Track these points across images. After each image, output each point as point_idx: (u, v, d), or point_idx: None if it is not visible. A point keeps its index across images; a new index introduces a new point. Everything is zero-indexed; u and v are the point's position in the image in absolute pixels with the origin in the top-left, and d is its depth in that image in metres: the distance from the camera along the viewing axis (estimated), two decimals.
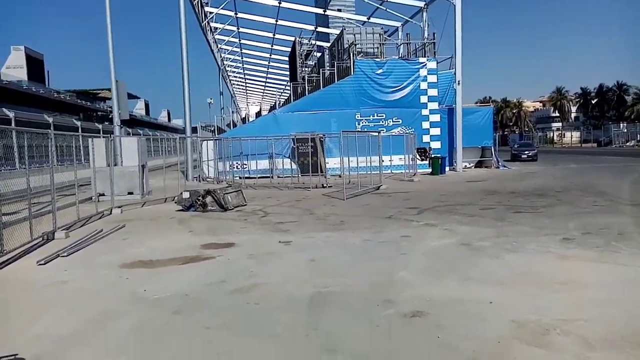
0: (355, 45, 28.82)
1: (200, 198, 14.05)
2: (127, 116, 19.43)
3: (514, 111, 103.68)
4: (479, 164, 29.96)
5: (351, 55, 28.24)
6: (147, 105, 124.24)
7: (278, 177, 24.73)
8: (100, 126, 31.24)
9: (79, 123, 28.76)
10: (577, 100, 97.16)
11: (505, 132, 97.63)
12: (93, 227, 11.62)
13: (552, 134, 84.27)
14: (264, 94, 78.40)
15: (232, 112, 64.33)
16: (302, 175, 23.03)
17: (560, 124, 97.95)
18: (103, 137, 15.55)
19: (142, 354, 4.62)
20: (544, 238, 9.03)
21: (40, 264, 8.03)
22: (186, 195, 14.28)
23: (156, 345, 4.77)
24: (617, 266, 7.08)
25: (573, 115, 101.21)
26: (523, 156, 36.88)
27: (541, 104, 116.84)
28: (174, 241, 9.88)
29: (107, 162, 15.82)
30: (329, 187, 20.14)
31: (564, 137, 79.40)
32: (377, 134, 21.45)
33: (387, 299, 5.82)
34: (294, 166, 24.71)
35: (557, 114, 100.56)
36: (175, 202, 14.66)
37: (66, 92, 77.79)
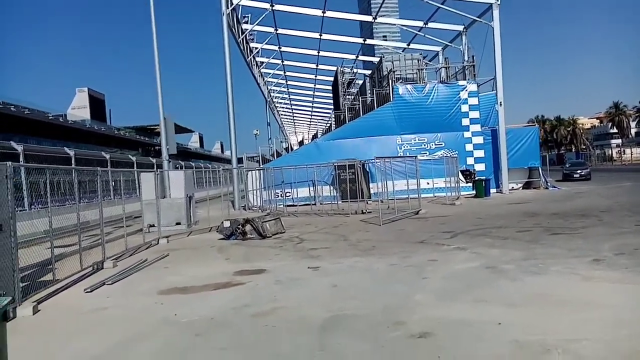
0: (394, 72, 29.25)
1: (240, 227, 14.66)
2: (174, 151, 20.55)
3: (569, 129, 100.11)
4: (527, 185, 29.28)
5: (390, 82, 28.67)
6: (201, 138, 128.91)
7: (320, 204, 25.13)
8: (154, 160, 32.93)
9: (134, 158, 30.42)
10: (636, 115, 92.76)
11: (562, 151, 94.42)
12: (140, 257, 12.38)
13: (610, 151, 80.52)
14: (311, 122, 79.85)
15: (281, 141, 65.98)
16: (343, 202, 23.36)
17: (619, 141, 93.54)
18: (150, 171, 16.60)
19: None
20: (573, 260, 8.93)
21: (87, 292, 8.76)
22: (227, 224, 14.94)
23: None
24: None
25: (633, 130, 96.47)
26: (575, 175, 35.67)
27: (598, 121, 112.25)
28: (210, 268, 10.44)
29: (158, 195, 16.82)
30: (368, 212, 20.36)
31: (624, 154, 75.51)
32: (413, 158, 21.54)
33: (398, 320, 6.05)
34: (336, 193, 25.12)
35: (616, 130, 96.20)
36: (217, 232, 15.35)
37: (126, 129, 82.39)
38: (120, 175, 13.99)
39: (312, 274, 9.30)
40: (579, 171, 36.19)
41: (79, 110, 74.79)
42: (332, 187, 26.07)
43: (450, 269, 8.97)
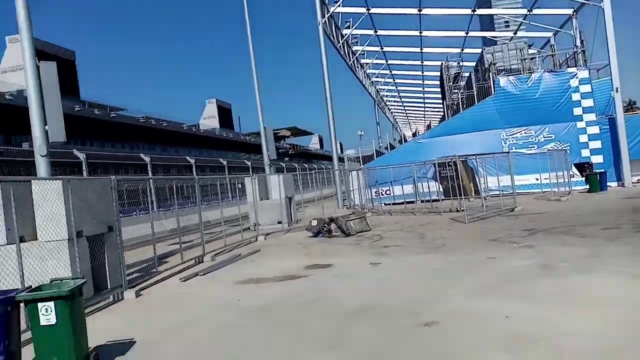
0: (494, 64, 28.40)
1: (325, 225, 15.83)
2: (274, 156, 22.52)
3: None
4: None
5: (491, 74, 27.92)
6: (321, 140, 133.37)
7: (421, 201, 25.34)
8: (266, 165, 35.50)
9: (249, 163, 33.23)
10: None
11: None
12: (235, 253, 14.10)
13: None
14: (425, 116, 78.95)
15: (394, 138, 66.38)
16: (445, 199, 23.45)
17: None
18: (248, 175, 18.54)
19: (211, 342, 6.32)
20: (636, 258, 8.62)
21: (182, 281, 10.50)
22: (314, 223, 16.21)
23: (222, 337, 6.46)
24: None
25: None
26: None
27: None
28: (288, 262, 11.70)
29: (256, 197, 18.70)
30: (462, 210, 20.24)
31: None
32: (506, 153, 21.00)
33: (415, 311, 6.67)
34: (440, 188, 25.20)
35: None
36: (306, 230, 16.67)
37: (251, 135, 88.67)
38: (224, 180, 16.09)
39: (369, 269, 10.09)
40: None
41: (209, 120, 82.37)
42: (436, 184, 26.13)
43: (502, 266, 9.17)
